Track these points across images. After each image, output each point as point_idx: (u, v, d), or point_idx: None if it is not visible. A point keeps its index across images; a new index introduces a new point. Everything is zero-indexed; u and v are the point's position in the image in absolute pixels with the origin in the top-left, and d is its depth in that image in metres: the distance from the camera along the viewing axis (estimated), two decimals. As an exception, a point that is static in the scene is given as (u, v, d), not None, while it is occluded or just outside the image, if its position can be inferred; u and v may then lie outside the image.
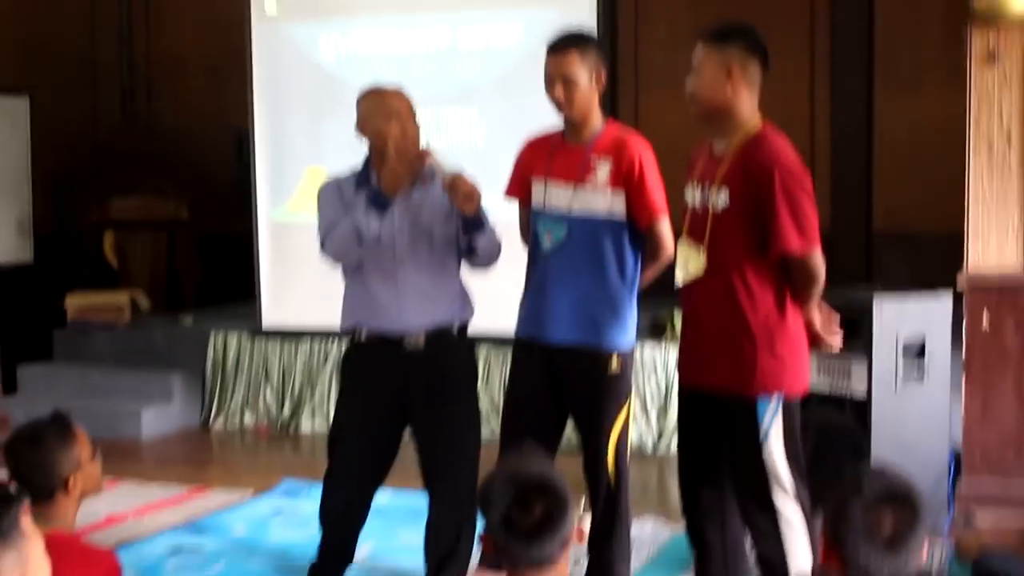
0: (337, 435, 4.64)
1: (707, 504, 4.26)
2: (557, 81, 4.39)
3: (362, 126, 4.51)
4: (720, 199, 3.98)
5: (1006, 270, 5.71)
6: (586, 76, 4.40)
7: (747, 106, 4.03)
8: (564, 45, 4.42)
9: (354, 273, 4.54)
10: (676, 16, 9.96)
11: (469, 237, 4.45)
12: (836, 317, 4.19)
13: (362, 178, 4.53)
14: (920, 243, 9.33)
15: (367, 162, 4.57)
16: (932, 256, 8.46)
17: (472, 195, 4.34)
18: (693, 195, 4.13)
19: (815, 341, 4.14)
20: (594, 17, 7.45)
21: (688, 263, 4.10)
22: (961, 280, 5.73)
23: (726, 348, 4.01)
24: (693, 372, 4.18)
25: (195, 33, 11.41)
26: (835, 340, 4.20)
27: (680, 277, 4.14)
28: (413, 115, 4.49)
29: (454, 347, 4.55)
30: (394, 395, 4.49)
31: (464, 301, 4.60)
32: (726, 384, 4.02)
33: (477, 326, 4.73)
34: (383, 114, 4.45)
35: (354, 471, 4.58)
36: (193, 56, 11.45)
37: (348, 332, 4.61)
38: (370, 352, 4.54)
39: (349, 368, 4.66)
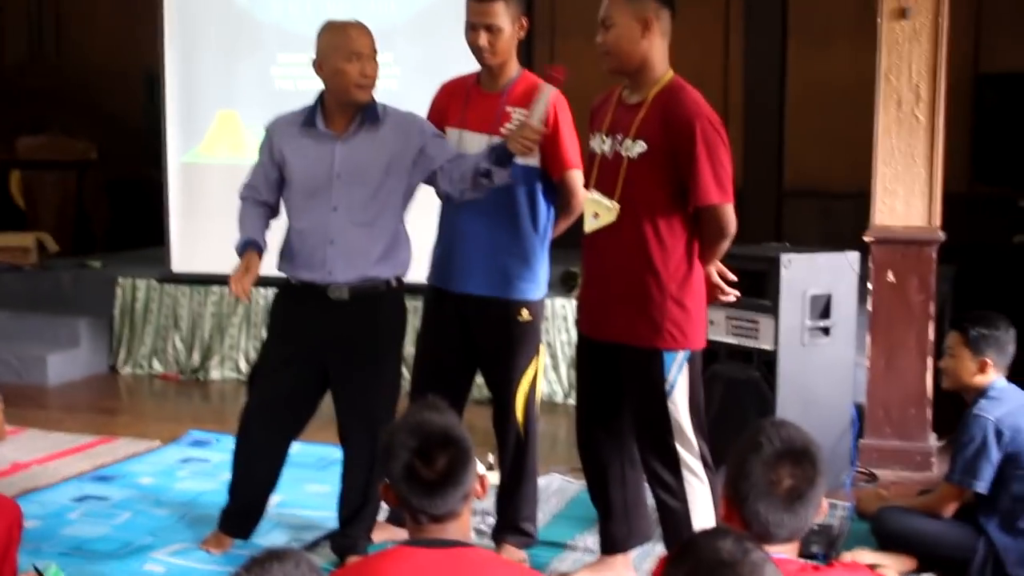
0: (257, 372, 4.59)
1: (608, 460, 4.28)
2: (480, 29, 4.35)
3: (320, 63, 4.34)
4: (635, 149, 3.97)
5: (912, 227, 5.78)
6: (509, 24, 4.36)
7: (660, 56, 4.02)
8: None
9: (290, 215, 4.46)
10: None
11: (493, 170, 4.20)
12: (727, 271, 4.23)
13: (309, 118, 4.40)
14: (830, 201, 9.46)
15: (319, 101, 4.42)
16: (842, 214, 8.61)
17: (534, 148, 4.16)
18: (602, 145, 4.12)
19: (710, 292, 4.17)
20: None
21: (597, 213, 4.08)
22: (867, 236, 5.81)
23: (634, 299, 4.01)
24: (597, 323, 4.18)
25: (105, -31, 11.22)
26: (730, 292, 4.24)
27: (589, 227, 4.13)
28: (374, 53, 4.34)
29: (381, 301, 4.43)
30: (316, 343, 4.42)
31: (400, 255, 4.45)
32: (633, 335, 4.03)
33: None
34: (344, 52, 4.29)
35: (270, 412, 4.50)
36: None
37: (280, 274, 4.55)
38: (297, 297, 4.47)
39: (277, 310, 4.61)
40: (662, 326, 3.98)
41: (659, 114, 3.95)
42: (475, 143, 4.41)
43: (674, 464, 4.03)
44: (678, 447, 4.02)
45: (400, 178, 4.36)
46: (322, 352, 4.43)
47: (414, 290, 4.63)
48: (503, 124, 4.38)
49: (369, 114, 4.36)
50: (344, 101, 4.34)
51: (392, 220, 4.42)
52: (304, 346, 4.44)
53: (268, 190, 4.49)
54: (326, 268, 4.36)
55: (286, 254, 4.48)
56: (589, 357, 4.27)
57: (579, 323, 4.32)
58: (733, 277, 4.25)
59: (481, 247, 4.43)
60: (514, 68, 4.48)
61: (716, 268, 4.18)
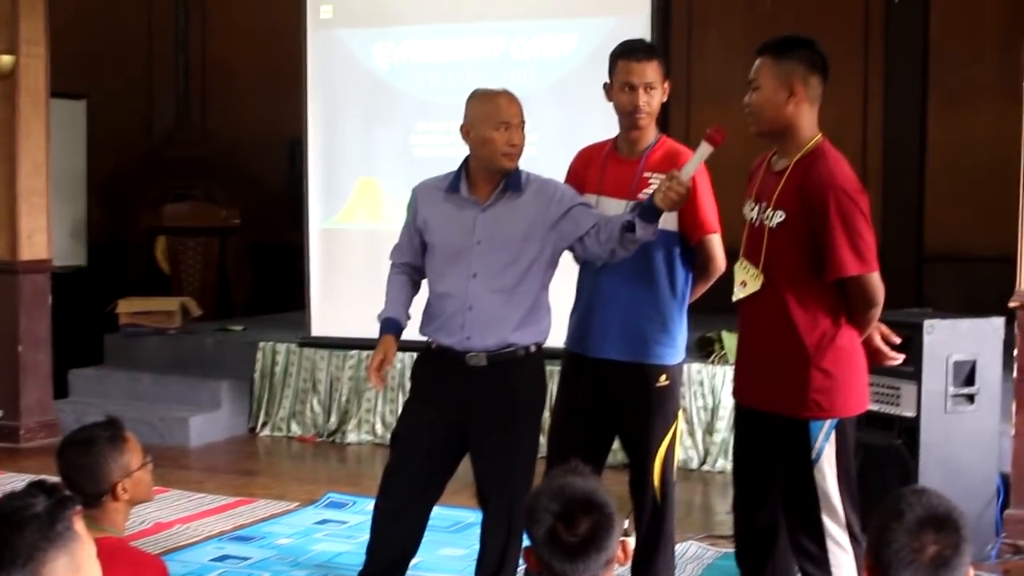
0: (399, 433, 4.61)
1: (759, 527, 4.20)
2: (640, 87, 4.38)
3: (468, 129, 4.39)
4: (775, 218, 3.93)
5: (1059, 293, 5.65)
6: (660, 84, 4.41)
7: (807, 122, 3.96)
8: (647, 52, 4.42)
9: (430, 279, 4.52)
10: (728, 28, 9.96)
11: (638, 223, 4.14)
12: (892, 334, 4.15)
13: (454, 184, 4.44)
14: (972, 265, 9.27)
15: (464, 167, 4.45)
16: (984, 278, 8.42)
17: (680, 202, 4.09)
18: (751, 212, 4.08)
19: (874, 357, 4.09)
20: (648, 27, 7.45)
21: (745, 281, 4.06)
22: (1012, 301, 5.68)
23: (780, 367, 3.97)
24: (747, 391, 4.15)
25: (250, 41, 11.55)
26: (894, 356, 4.16)
27: (737, 295, 4.10)
28: (522, 123, 4.38)
29: (520, 367, 4.42)
30: (455, 407, 4.43)
31: (539, 323, 4.44)
32: (779, 404, 3.97)
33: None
34: (492, 121, 4.33)
35: (411, 473, 4.49)
36: (247, 64, 11.58)
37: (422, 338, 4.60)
38: (437, 361, 4.49)
39: (418, 373, 4.64)
40: (807, 395, 3.91)
41: (797, 183, 3.90)
42: (613, 209, 4.41)
43: (819, 534, 3.94)
44: (824, 517, 3.94)
45: (538, 244, 4.36)
46: (461, 416, 4.44)
47: (551, 355, 4.64)
48: (641, 190, 4.39)
49: (512, 182, 4.38)
50: (490, 168, 4.37)
51: (533, 287, 4.41)
52: (444, 410, 4.46)
53: (412, 253, 4.56)
54: (464, 334, 4.38)
55: (427, 317, 4.51)
56: (743, 425, 4.23)
57: (734, 390, 4.30)
58: (897, 340, 4.16)
59: (619, 311, 4.42)
60: (652, 133, 4.49)
61: (879, 331, 4.11)
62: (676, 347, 4.49)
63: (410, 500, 4.52)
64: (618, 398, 4.48)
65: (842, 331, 3.95)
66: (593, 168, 4.57)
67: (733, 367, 4.35)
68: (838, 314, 3.94)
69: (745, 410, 4.18)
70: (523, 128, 4.37)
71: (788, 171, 3.94)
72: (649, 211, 4.12)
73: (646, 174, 4.41)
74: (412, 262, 4.57)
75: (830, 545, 3.94)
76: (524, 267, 4.37)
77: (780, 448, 4.03)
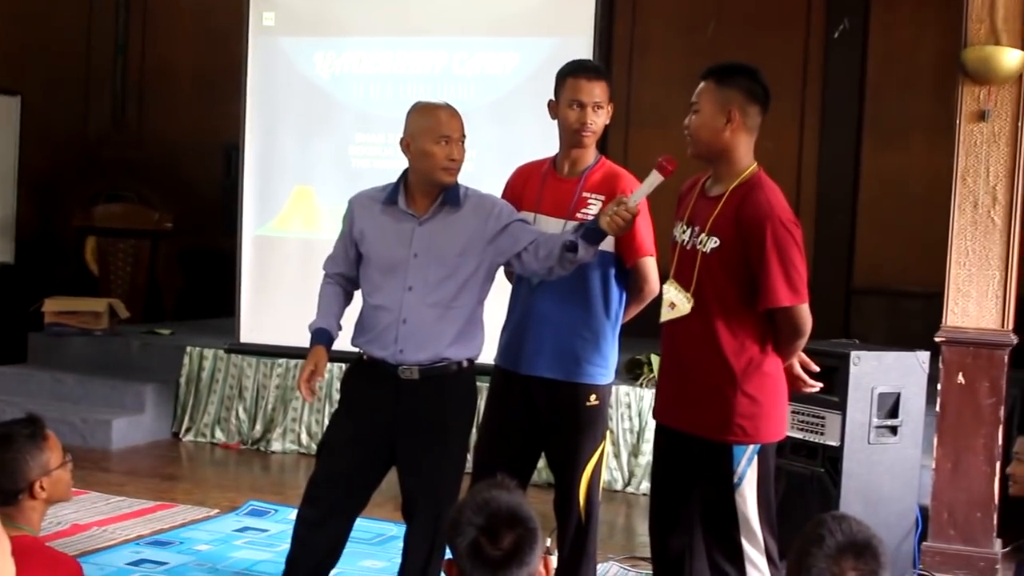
0: (326, 444, 4.57)
1: (676, 549, 4.21)
2: (588, 105, 4.41)
3: (407, 142, 4.35)
4: (709, 244, 3.95)
5: (984, 329, 5.73)
6: (606, 106, 4.45)
7: (744, 150, 3.99)
8: (597, 71, 4.47)
9: (365, 290, 4.48)
10: (669, 54, 10.02)
11: (580, 244, 4.14)
12: (811, 362, 4.19)
13: (391, 197, 4.41)
14: (900, 299, 9.38)
15: (402, 179, 4.41)
16: (911, 313, 8.54)
17: (625, 228, 4.07)
18: (682, 234, 4.10)
19: (793, 384, 4.13)
20: (590, 49, 7.48)
21: (674, 303, 4.07)
22: (938, 336, 5.76)
23: (705, 390, 3.98)
24: (670, 412, 4.16)
25: (190, 44, 11.47)
26: (812, 384, 4.20)
27: (664, 316, 4.12)
28: (463, 137, 4.35)
29: (451, 382, 4.39)
30: (384, 420, 4.39)
31: (473, 338, 4.41)
32: (702, 427, 3.99)
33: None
34: (433, 135, 4.30)
35: (336, 484, 4.44)
36: (187, 67, 11.51)
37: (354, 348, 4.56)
38: (368, 373, 4.44)
39: (348, 384, 4.59)
40: (731, 420, 3.93)
41: (734, 211, 3.93)
42: (550, 227, 4.41)
43: (737, 558, 3.96)
44: (743, 541, 3.96)
45: (475, 259, 4.34)
46: (390, 430, 4.40)
47: (480, 371, 4.63)
48: (580, 210, 4.40)
49: (450, 196, 4.35)
50: (429, 182, 4.34)
51: (469, 302, 4.38)
52: (372, 422, 4.41)
53: (347, 264, 4.52)
54: (397, 347, 4.35)
55: (360, 328, 4.47)
56: (662, 445, 4.24)
57: (654, 410, 4.30)
58: (816, 368, 4.20)
59: (553, 330, 4.42)
60: (593, 154, 4.51)
61: (799, 359, 4.15)
62: (607, 367, 4.50)
63: (334, 510, 4.47)
64: (547, 416, 4.48)
65: (768, 358, 3.98)
66: (531, 186, 4.57)
67: None
68: (765, 341, 3.97)
69: (666, 430, 4.19)
70: (463, 143, 4.36)
71: (724, 198, 3.97)
72: (593, 233, 4.12)
73: (585, 194, 4.43)
74: (346, 273, 4.54)
75: (749, 569, 3.96)
76: (461, 282, 4.35)
77: (701, 470, 4.05)
